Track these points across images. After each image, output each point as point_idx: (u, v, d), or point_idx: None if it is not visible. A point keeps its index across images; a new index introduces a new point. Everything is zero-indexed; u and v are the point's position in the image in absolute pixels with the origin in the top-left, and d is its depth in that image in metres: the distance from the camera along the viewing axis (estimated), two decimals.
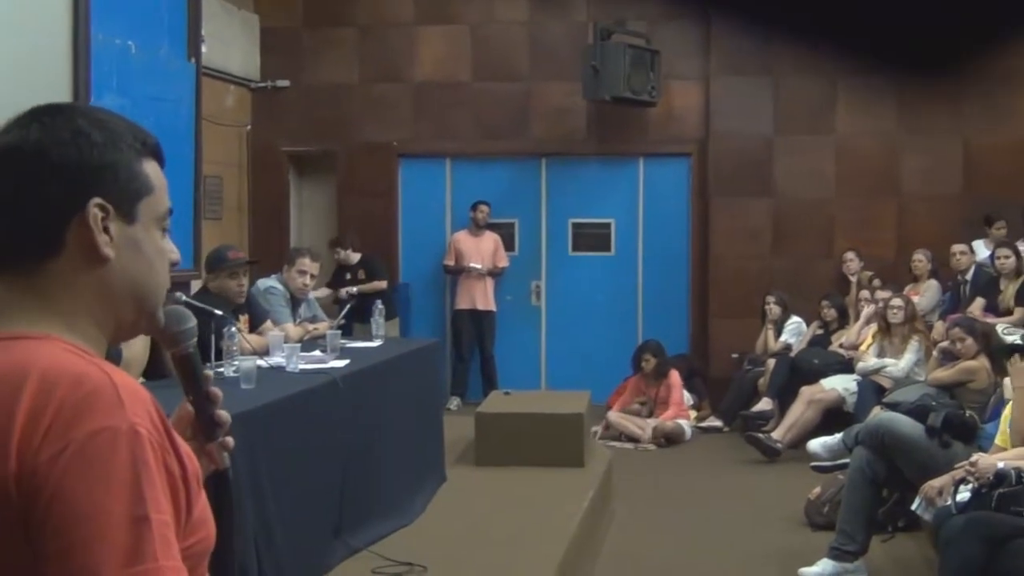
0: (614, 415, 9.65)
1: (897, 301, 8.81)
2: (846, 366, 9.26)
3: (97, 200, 1.37)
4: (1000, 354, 6.85)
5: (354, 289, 10.10)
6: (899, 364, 8.60)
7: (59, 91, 5.87)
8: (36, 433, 1.23)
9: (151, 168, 1.45)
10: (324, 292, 9.97)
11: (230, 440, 1.62)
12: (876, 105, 10.94)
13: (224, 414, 1.60)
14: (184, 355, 1.59)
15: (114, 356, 4.42)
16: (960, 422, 5.79)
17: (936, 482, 5.18)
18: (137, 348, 4.60)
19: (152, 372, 4.77)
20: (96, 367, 1.30)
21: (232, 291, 5.98)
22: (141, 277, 1.43)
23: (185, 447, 1.38)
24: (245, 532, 3.68)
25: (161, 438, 1.30)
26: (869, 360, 8.83)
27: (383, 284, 10.40)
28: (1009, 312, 8.63)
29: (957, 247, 9.64)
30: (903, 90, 10.84)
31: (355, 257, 10.48)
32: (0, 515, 1.24)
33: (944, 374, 7.46)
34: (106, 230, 1.38)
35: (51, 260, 1.38)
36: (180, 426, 1.61)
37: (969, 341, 7.27)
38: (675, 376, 9.78)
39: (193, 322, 1.61)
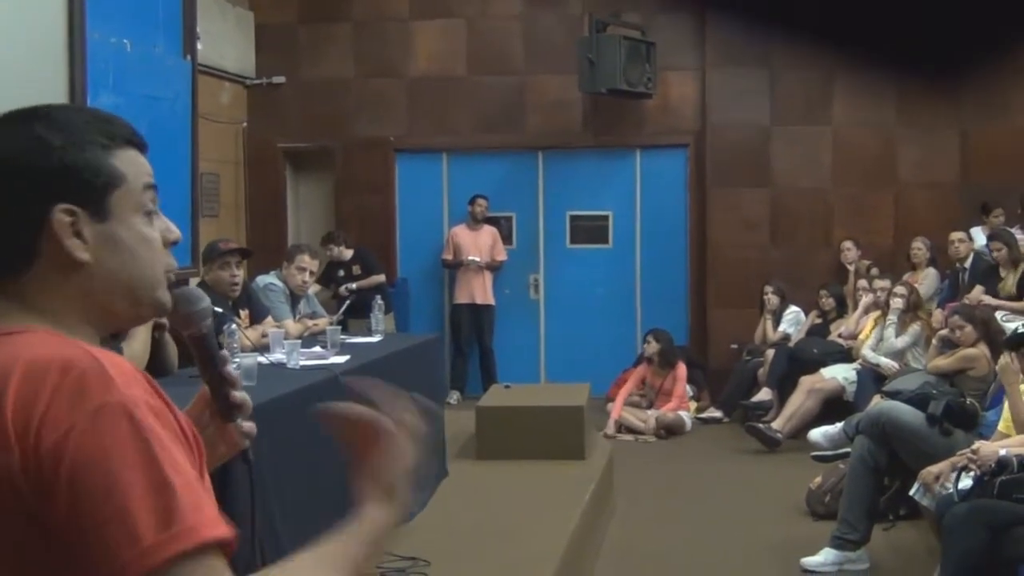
0: (623, 414, 9.61)
1: (900, 289, 8.81)
2: (845, 355, 9.27)
3: (62, 206, 1.36)
4: (1003, 347, 6.85)
5: (353, 285, 10.09)
6: (895, 340, 8.58)
7: (55, 90, 5.86)
8: (32, 422, 1.23)
9: (123, 158, 1.43)
10: (315, 289, 9.95)
11: (251, 425, 1.61)
12: (873, 94, 10.94)
13: (241, 395, 1.58)
14: (198, 335, 1.58)
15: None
16: (961, 410, 5.80)
17: (934, 468, 5.19)
18: (137, 347, 4.59)
19: (153, 370, 4.77)
20: (81, 349, 1.30)
21: (225, 282, 5.97)
22: (125, 270, 1.42)
23: (187, 421, 1.38)
24: (265, 523, 3.68)
25: (160, 405, 1.30)
26: (870, 354, 8.82)
27: (381, 277, 10.40)
28: (1010, 298, 8.63)
29: (956, 235, 9.64)
30: (900, 79, 10.83)
31: (348, 253, 10.46)
32: (7, 508, 1.24)
33: (944, 362, 7.46)
34: (79, 233, 1.37)
35: (29, 269, 1.37)
36: (198, 410, 1.60)
37: (968, 329, 7.27)
38: (682, 368, 9.78)
39: (206, 302, 1.60)
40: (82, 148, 1.39)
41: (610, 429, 9.42)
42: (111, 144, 1.42)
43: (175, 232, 1.50)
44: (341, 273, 10.34)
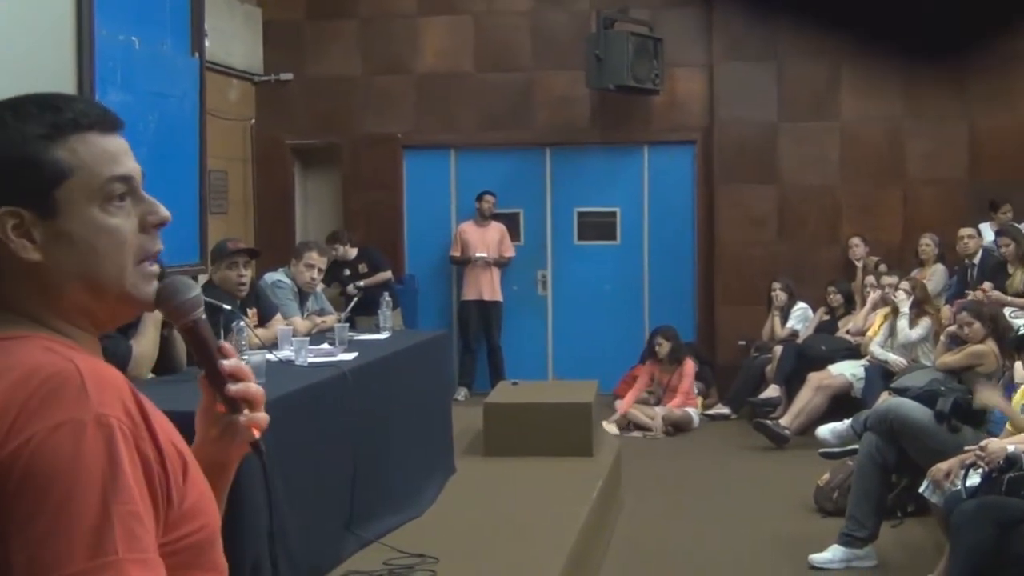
0: (632, 411, 9.61)
1: (905, 284, 8.80)
2: (853, 352, 9.25)
3: (2, 209, 1.34)
4: (1011, 347, 6.84)
5: (361, 283, 10.10)
6: (910, 332, 8.55)
7: (63, 87, 5.87)
8: (1, 429, 1.22)
9: (73, 146, 1.37)
10: (320, 289, 9.94)
11: (261, 416, 1.56)
12: (881, 90, 10.92)
13: (237, 387, 1.53)
14: (188, 327, 1.52)
15: (124, 352, 4.44)
16: (969, 406, 5.79)
17: (943, 465, 5.18)
18: (146, 344, 4.61)
19: (162, 367, 4.78)
20: (68, 362, 1.28)
21: (232, 282, 5.97)
22: (83, 265, 1.37)
23: (169, 434, 1.36)
24: (276, 508, 3.68)
25: (135, 426, 1.27)
26: (879, 350, 8.81)
27: (388, 274, 10.41)
28: (1018, 295, 8.61)
29: (965, 231, 9.62)
30: (908, 74, 10.82)
31: (352, 252, 10.47)
32: None
33: (952, 359, 7.44)
34: (27, 234, 1.35)
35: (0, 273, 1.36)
36: (207, 403, 1.57)
37: (976, 325, 7.26)
38: (690, 365, 9.77)
39: (195, 292, 1.53)
40: (18, 144, 1.35)
41: (613, 427, 9.40)
42: (54, 134, 1.36)
43: (161, 212, 1.44)
44: (347, 272, 10.34)
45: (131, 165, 1.42)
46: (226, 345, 1.56)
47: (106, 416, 1.24)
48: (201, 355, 1.54)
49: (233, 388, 1.52)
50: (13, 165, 1.35)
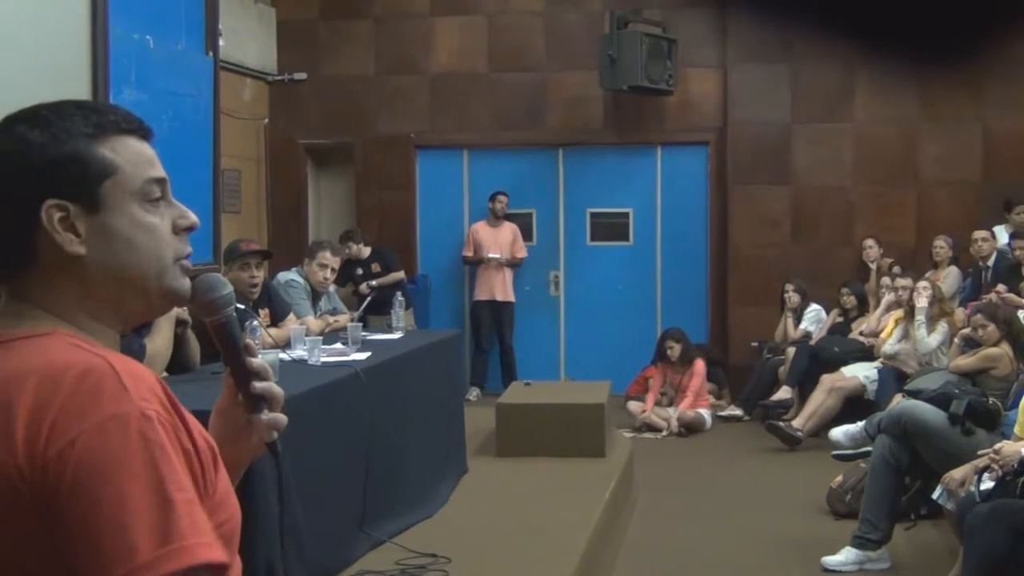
0: (651, 414, 9.60)
1: (923, 283, 8.75)
2: (867, 354, 9.22)
3: (51, 202, 1.36)
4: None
5: (374, 283, 10.10)
6: (927, 339, 8.51)
7: (78, 86, 5.88)
8: (41, 429, 1.23)
9: (114, 146, 1.41)
10: (333, 289, 9.95)
11: (280, 417, 1.58)
12: (895, 91, 10.89)
13: (263, 386, 1.55)
14: (220, 323, 1.56)
15: (137, 351, 4.44)
16: (983, 409, 5.76)
17: (956, 473, 5.16)
18: (160, 343, 4.61)
19: (176, 366, 4.79)
20: (99, 357, 1.30)
21: (245, 282, 5.97)
22: (124, 261, 1.40)
23: (198, 426, 1.38)
24: (289, 508, 3.69)
25: (172, 418, 1.30)
26: (888, 347, 8.78)
27: (401, 274, 10.42)
28: None
29: (979, 233, 9.59)
30: (922, 76, 10.78)
31: (366, 251, 10.48)
32: (12, 513, 1.23)
33: (966, 361, 7.41)
34: (72, 227, 1.37)
35: (31, 267, 1.38)
36: (229, 401, 1.59)
37: (991, 328, 7.22)
38: (700, 365, 9.75)
39: (228, 289, 1.57)
40: (65, 141, 1.38)
41: (638, 421, 9.45)
42: (98, 133, 1.40)
43: (191, 218, 1.48)
44: (359, 272, 10.34)
45: (163, 172, 1.47)
46: (252, 344, 1.59)
47: (146, 409, 1.26)
48: (228, 352, 1.57)
49: (259, 386, 1.56)
50: (62, 159, 1.37)
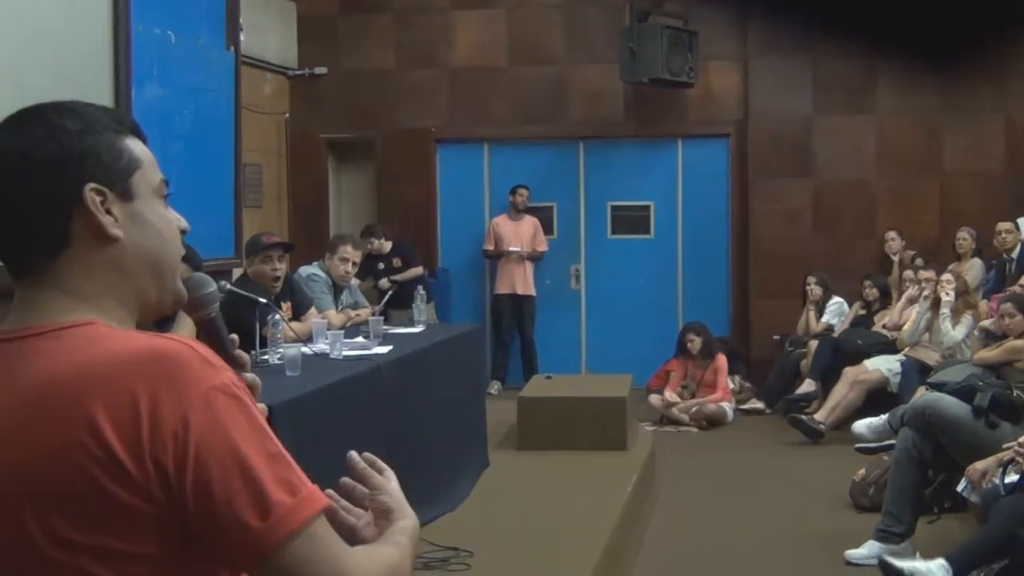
0: (674, 410, 9.59)
1: (947, 276, 8.71)
2: (889, 347, 9.18)
3: (92, 185, 1.38)
4: None
5: (397, 277, 10.12)
6: (952, 332, 8.47)
7: (100, 82, 5.91)
8: (141, 427, 1.25)
9: (134, 144, 1.45)
10: (355, 282, 9.98)
11: (262, 406, 1.60)
12: (917, 83, 10.83)
13: (250, 377, 1.57)
14: (207, 319, 1.62)
15: None
16: (1007, 402, 5.72)
17: (980, 465, 5.13)
18: (185, 335, 4.63)
19: None
20: (160, 338, 1.32)
21: (267, 275, 5.98)
22: (154, 248, 1.44)
23: None
24: None
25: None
26: (906, 333, 8.74)
27: (420, 270, 10.43)
28: None
29: (1003, 225, 9.54)
30: (944, 67, 10.72)
31: (387, 246, 10.49)
32: (108, 497, 1.25)
33: (990, 353, 7.37)
34: (108, 212, 1.39)
35: (63, 253, 1.39)
36: None
37: (1019, 318, 7.17)
38: (722, 359, 9.73)
39: (213, 287, 1.64)
40: (99, 131, 1.41)
41: (662, 399, 9.53)
42: (123, 129, 1.45)
43: (184, 222, 1.53)
44: (381, 266, 10.34)
45: None
46: (235, 337, 1.65)
47: (232, 378, 1.33)
48: (215, 347, 1.59)
49: (248, 376, 1.58)
50: (100, 147, 1.41)
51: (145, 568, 1.27)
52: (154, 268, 1.44)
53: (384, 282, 10.04)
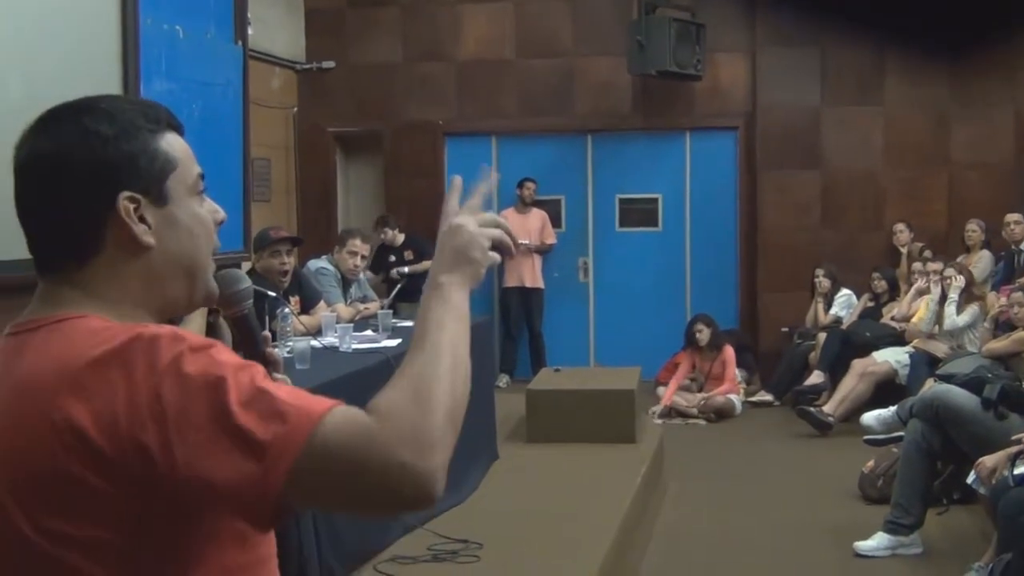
0: (676, 398, 9.58)
1: (951, 270, 8.70)
2: (898, 339, 9.18)
3: (126, 194, 1.38)
4: None
5: (406, 269, 10.13)
6: (955, 317, 8.46)
7: (108, 77, 5.91)
8: (118, 411, 1.25)
9: (170, 142, 1.45)
10: (368, 276, 10.01)
11: None
12: (926, 74, 10.81)
13: (285, 378, 1.60)
14: (240, 316, 1.62)
15: None
16: (1017, 393, 5.72)
17: (988, 460, 5.12)
18: (193, 330, 4.64)
19: None
20: (138, 326, 1.32)
21: (275, 269, 6.00)
22: (186, 252, 1.44)
23: None
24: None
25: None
26: (926, 325, 8.73)
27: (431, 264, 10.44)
28: None
29: (1012, 216, 9.51)
30: (953, 58, 10.69)
31: (400, 238, 10.50)
32: (100, 506, 1.26)
33: (999, 345, 7.37)
34: (142, 219, 1.39)
35: (95, 258, 1.40)
36: None
37: None
38: (729, 351, 9.73)
39: (247, 283, 1.63)
40: (134, 136, 1.41)
41: (657, 416, 9.39)
42: (157, 129, 1.44)
43: (222, 213, 1.52)
44: (392, 258, 10.35)
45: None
46: (268, 335, 1.65)
47: (207, 342, 1.31)
48: (247, 343, 1.62)
49: (279, 376, 1.62)
50: (135, 153, 1.40)
51: (124, 554, 1.28)
52: (187, 271, 1.45)
53: (394, 272, 10.06)
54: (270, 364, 1.60)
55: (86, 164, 1.38)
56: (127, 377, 1.26)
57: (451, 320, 1.49)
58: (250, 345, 1.61)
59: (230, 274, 1.61)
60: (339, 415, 1.27)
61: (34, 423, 1.27)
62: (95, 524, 1.26)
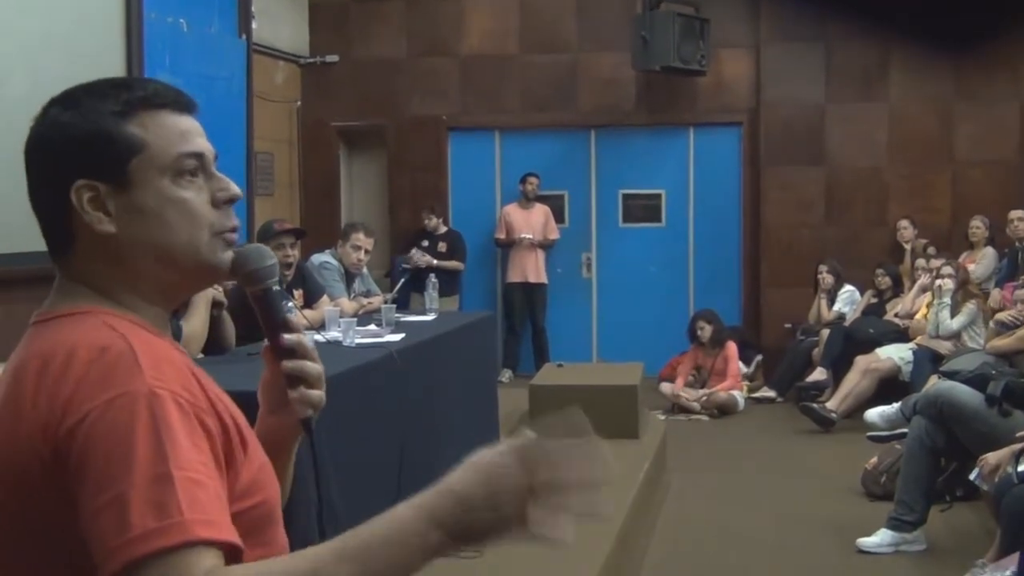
0: (682, 395, 9.58)
1: (947, 269, 8.69)
2: (901, 335, 9.17)
3: (80, 182, 1.37)
4: None
5: (434, 261, 10.25)
6: (950, 322, 8.47)
7: (113, 71, 5.91)
8: (56, 407, 1.25)
9: (144, 122, 1.40)
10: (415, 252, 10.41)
11: (312, 394, 1.55)
12: (930, 71, 10.79)
13: (296, 365, 1.54)
14: (260, 293, 1.54)
15: (174, 332, 4.47)
16: (1021, 390, 5.70)
17: (992, 457, 5.11)
18: (196, 324, 4.64)
19: (211, 347, 4.81)
20: (120, 337, 1.31)
21: (278, 262, 5.99)
22: (156, 237, 1.39)
23: (228, 408, 1.38)
24: (324, 487, 3.71)
25: (195, 399, 1.29)
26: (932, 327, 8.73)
27: (461, 266, 10.63)
28: None
29: (1015, 213, 9.50)
30: (957, 54, 10.67)
31: (442, 228, 10.68)
32: (38, 482, 1.26)
33: (1003, 342, 7.36)
34: (103, 207, 1.37)
35: (72, 249, 1.40)
36: (269, 375, 1.59)
37: None
38: (732, 347, 9.73)
39: (271, 261, 1.56)
40: (92, 121, 1.38)
41: (670, 392, 9.54)
42: (127, 110, 1.39)
43: (232, 189, 1.46)
44: (426, 243, 10.52)
45: (203, 144, 1.46)
46: (294, 320, 1.57)
47: (161, 388, 1.26)
48: (268, 325, 1.55)
49: (289, 364, 1.55)
50: (89, 139, 1.38)
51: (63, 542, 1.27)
52: (157, 255, 1.40)
53: (415, 252, 10.24)
54: (286, 352, 1.53)
55: (47, 155, 1.39)
56: (76, 389, 1.25)
57: (399, 557, 1.26)
58: (270, 327, 1.54)
59: (255, 250, 1.53)
60: (182, 562, 1.17)
61: (12, 415, 1.29)
62: (50, 526, 1.27)
